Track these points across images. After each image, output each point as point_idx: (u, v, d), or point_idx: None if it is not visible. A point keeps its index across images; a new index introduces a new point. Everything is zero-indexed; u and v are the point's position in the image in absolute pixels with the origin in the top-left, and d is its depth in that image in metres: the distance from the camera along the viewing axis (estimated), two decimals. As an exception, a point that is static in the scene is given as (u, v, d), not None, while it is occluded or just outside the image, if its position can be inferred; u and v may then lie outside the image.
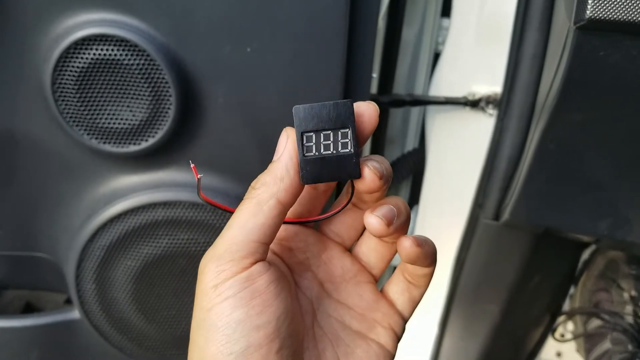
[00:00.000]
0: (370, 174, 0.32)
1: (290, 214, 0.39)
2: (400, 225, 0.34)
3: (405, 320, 0.38)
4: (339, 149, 0.32)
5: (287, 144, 0.32)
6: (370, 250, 0.38)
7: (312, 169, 0.32)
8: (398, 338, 0.37)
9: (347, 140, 0.32)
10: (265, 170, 0.33)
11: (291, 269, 0.37)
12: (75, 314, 0.73)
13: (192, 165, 0.35)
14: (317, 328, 0.36)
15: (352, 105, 0.32)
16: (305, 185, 0.35)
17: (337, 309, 0.37)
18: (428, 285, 0.37)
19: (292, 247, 0.38)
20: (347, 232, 0.39)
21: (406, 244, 0.33)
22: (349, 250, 0.40)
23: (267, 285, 0.31)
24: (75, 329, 0.75)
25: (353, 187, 0.34)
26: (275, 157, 0.33)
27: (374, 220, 0.33)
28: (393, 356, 0.37)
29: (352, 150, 0.32)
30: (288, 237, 0.38)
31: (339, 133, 0.32)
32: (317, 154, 0.32)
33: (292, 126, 0.33)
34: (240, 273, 0.30)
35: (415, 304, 0.38)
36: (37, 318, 0.74)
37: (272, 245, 0.37)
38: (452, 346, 0.90)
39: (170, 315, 0.71)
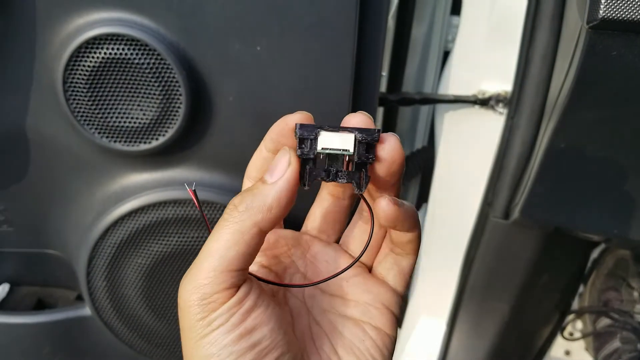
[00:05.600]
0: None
1: (311, 228, 0.39)
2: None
3: (399, 296, 0.37)
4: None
5: (287, 171, 0.30)
6: (354, 238, 0.38)
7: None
8: (395, 316, 0.36)
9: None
10: (252, 189, 0.30)
11: (279, 275, 0.37)
12: (86, 310, 0.74)
13: (190, 190, 0.34)
14: (314, 326, 0.36)
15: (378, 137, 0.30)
16: (330, 198, 0.34)
17: (331, 302, 0.36)
18: (416, 254, 0.36)
19: (277, 254, 0.37)
20: (329, 226, 0.39)
21: (382, 203, 0.31)
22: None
23: (254, 304, 0.30)
24: (86, 326, 0.75)
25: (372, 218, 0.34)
26: (268, 178, 0.30)
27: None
28: (392, 337, 0.36)
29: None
30: (271, 247, 0.37)
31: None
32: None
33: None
34: (227, 302, 0.29)
35: (406, 276, 0.37)
36: (48, 314, 0.75)
37: (257, 258, 0.37)
38: (460, 344, 0.90)
39: (180, 313, 0.72)
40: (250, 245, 0.30)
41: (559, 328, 0.95)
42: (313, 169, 0.31)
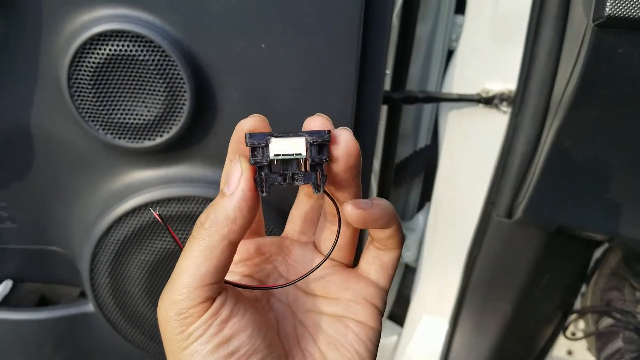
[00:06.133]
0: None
1: (291, 231, 0.40)
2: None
3: (382, 290, 0.37)
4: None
5: (241, 180, 0.30)
6: (327, 240, 0.38)
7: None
8: (379, 310, 0.37)
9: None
10: (215, 204, 0.31)
11: (263, 282, 0.38)
12: (89, 307, 0.74)
13: (155, 214, 0.35)
14: (299, 327, 0.36)
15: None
16: (306, 199, 0.34)
17: (314, 302, 0.37)
18: (398, 248, 0.36)
19: (258, 262, 0.38)
20: (307, 227, 0.39)
21: (347, 209, 0.32)
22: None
23: (230, 312, 0.31)
24: (89, 322, 0.75)
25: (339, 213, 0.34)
26: (226, 190, 0.31)
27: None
28: (377, 330, 0.36)
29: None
30: (252, 256, 0.38)
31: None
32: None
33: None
34: (203, 315, 0.30)
35: (388, 271, 0.37)
36: (51, 311, 0.75)
37: (238, 268, 0.37)
38: (463, 343, 0.90)
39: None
40: (220, 259, 0.30)
41: (561, 328, 0.95)
42: (269, 175, 0.31)
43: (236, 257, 0.38)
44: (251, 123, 0.32)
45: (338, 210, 0.34)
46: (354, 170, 0.32)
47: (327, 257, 0.36)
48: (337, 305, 0.36)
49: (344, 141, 0.31)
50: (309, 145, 0.30)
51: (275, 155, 0.30)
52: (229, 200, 0.30)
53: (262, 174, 0.31)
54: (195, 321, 0.30)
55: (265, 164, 0.31)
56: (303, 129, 0.31)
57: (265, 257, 0.38)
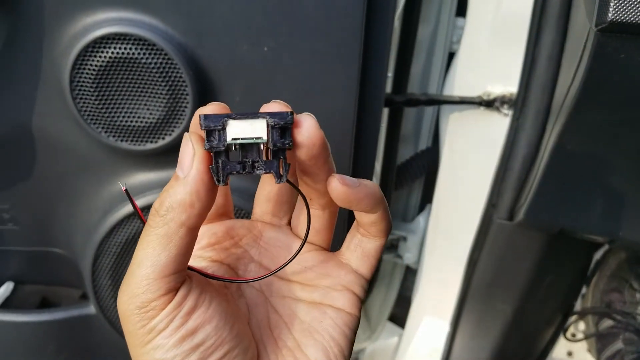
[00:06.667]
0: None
1: (260, 213, 0.37)
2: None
3: (364, 278, 0.36)
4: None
5: (194, 161, 0.28)
6: (302, 222, 0.36)
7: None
8: (359, 298, 0.35)
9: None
10: (169, 188, 0.28)
11: (233, 267, 0.36)
12: (91, 309, 0.74)
13: (123, 188, 0.32)
14: (272, 315, 0.35)
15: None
16: (271, 179, 0.31)
17: (290, 288, 0.35)
18: (382, 237, 0.34)
19: (227, 246, 0.36)
20: (276, 208, 0.38)
21: (333, 183, 0.30)
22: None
23: (195, 304, 0.30)
24: (90, 324, 0.75)
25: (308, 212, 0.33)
26: (180, 173, 0.28)
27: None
28: (355, 317, 0.35)
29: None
30: (220, 240, 0.36)
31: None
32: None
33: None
34: (165, 307, 0.29)
35: (370, 259, 0.35)
36: (53, 313, 0.75)
37: (206, 253, 0.36)
38: (463, 344, 0.90)
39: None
40: (180, 246, 0.28)
41: (562, 329, 0.95)
42: (227, 163, 0.28)
43: (203, 242, 0.36)
44: (209, 110, 0.29)
45: (306, 202, 0.33)
46: (320, 159, 0.30)
47: (300, 249, 0.34)
48: (315, 292, 0.35)
49: (306, 127, 0.28)
50: (270, 129, 0.28)
51: (233, 139, 0.27)
52: (183, 183, 0.28)
53: (219, 161, 0.28)
54: (157, 314, 0.28)
55: (222, 149, 0.28)
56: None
57: (235, 241, 0.36)
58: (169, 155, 0.62)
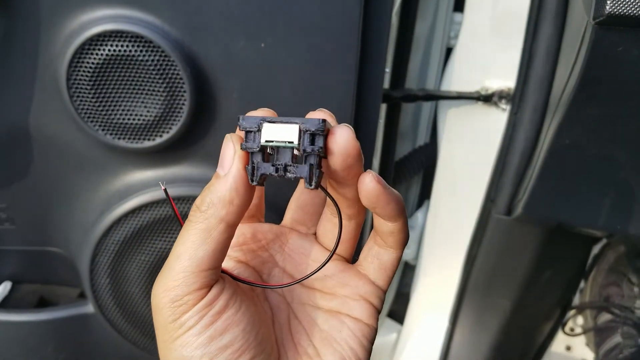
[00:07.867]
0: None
1: (290, 220, 0.38)
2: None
3: (381, 290, 0.36)
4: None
5: (234, 159, 0.29)
6: (326, 231, 0.36)
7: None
8: (376, 309, 0.35)
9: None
10: (210, 186, 0.30)
11: (257, 270, 0.36)
12: (89, 308, 0.74)
13: (162, 187, 0.33)
14: (293, 320, 0.35)
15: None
16: (307, 189, 0.32)
17: (310, 295, 0.36)
18: (399, 249, 0.35)
19: (254, 248, 0.37)
20: (307, 217, 0.38)
21: (366, 179, 0.30)
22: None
23: (226, 304, 0.30)
24: (89, 323, 0.75)
25: (339, 213, 0.33)
26: (220, 171, 0.30)
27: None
28: (373, 328, 0.35)
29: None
30: (248, 242, 0.37)
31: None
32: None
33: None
34: (198, 303, 0.29)
35: (387, 271, 0.35)
36: (51, 312, 0.75)
37: (233, 253, 0.36)
38: (462, 339, 0.90)
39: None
40: (219, 241, 0.29)
41: (560, 323, 0.95)
42: (261, 164, 0.29)
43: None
44: (257, 114, 0.30)
45: (338, 210, 0.33)
46: (354, 169, 0.30)
47: (330, 257, 0.34)
48: (334, 300, 0.35)
49: (341, 136, 0.29)
50: (302, 133, 0.28)
51: (266, 141, 0.28)
52: (224, 181, 0.29)
53: (255, 161, 0.29)
54: (189, 309, 0.29)
55: (257, 149, 0.29)
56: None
57: (262, 244, 0.37)
58: (166, 153, 0.62)
